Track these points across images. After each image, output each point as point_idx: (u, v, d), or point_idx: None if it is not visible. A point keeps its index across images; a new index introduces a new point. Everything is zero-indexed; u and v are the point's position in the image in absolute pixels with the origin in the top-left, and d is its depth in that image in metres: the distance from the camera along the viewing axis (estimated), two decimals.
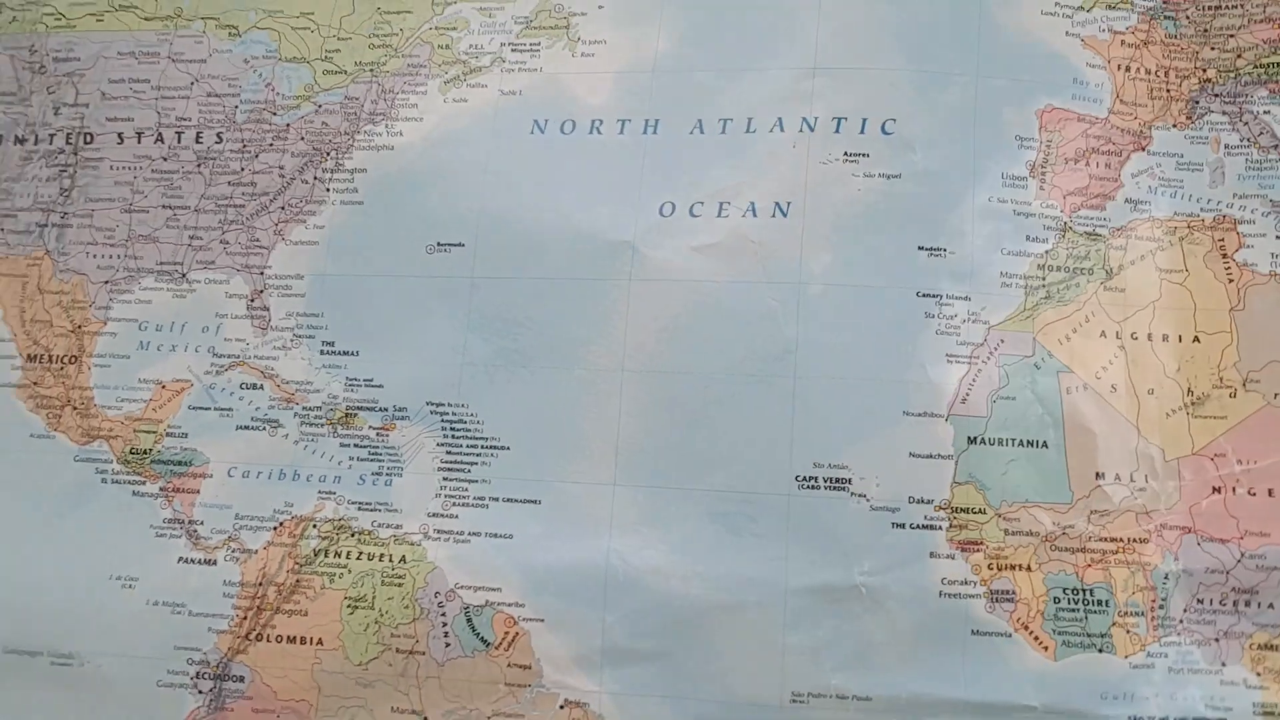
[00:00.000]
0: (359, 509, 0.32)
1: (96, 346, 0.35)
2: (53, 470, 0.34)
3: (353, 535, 0.32)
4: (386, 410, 0.33)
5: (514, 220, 0.33)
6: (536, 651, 0.30)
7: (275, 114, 0.36)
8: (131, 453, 0.34)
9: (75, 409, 0.35)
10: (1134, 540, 0.29)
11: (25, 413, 0.35)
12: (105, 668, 0.32)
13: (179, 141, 0.36)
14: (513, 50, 0.35)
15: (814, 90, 0.33)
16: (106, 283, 0.36)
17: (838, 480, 0.30)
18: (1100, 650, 0.29)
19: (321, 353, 0.34)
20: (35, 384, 0.35)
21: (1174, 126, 0.33)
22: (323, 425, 0.33)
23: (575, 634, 0.30)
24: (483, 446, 0.32)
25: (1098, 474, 0.30)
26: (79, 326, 0.36)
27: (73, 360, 0.35)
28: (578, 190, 0.33)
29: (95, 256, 0.36)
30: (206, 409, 0.34)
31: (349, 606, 0.31)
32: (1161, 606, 0.29)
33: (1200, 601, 0.29)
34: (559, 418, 0.32)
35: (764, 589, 0.30)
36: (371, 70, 0.36)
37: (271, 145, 0.35)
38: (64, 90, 0.38)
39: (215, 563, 0.32)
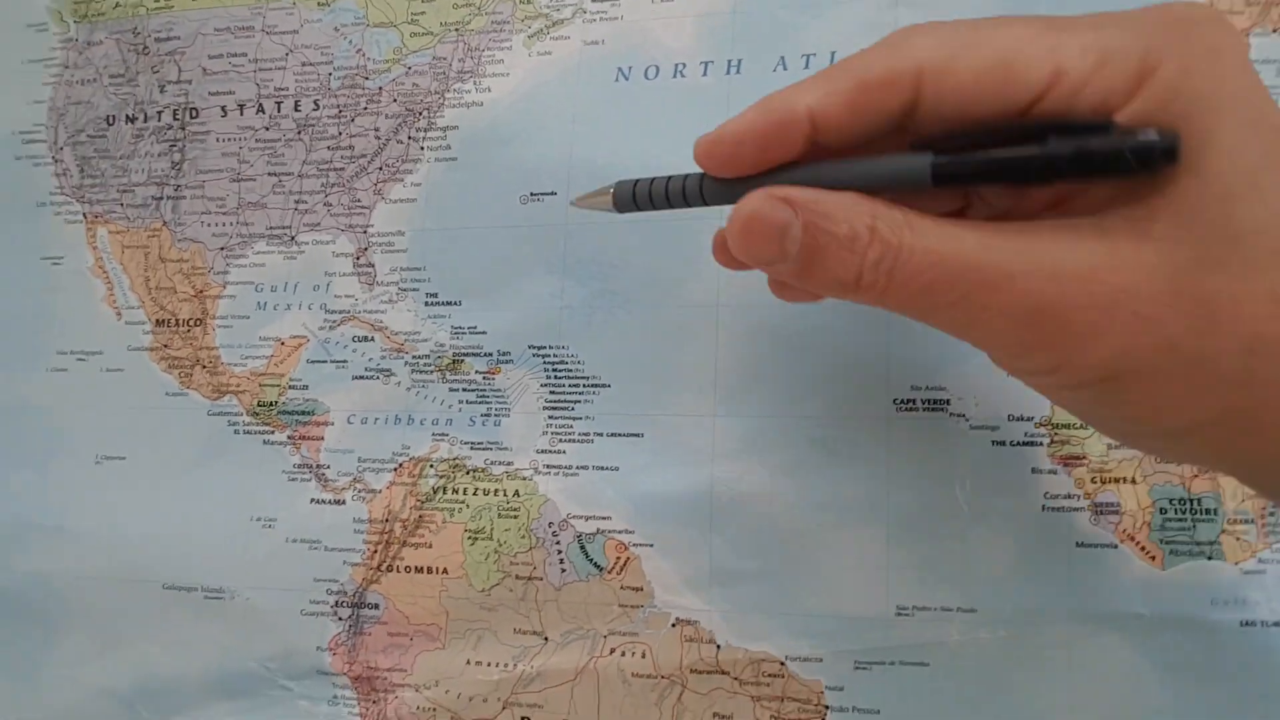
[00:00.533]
0: (471, 448, 0.34)
1: (218, 309, 0.38)
2: (190, 424, 0.37)
3: (468, 473, 0.34)
4: (491, 355, 0.35)
5: (603, 167, 0.34)
6: (647, 574, 0.32)
7: (367, 78, 0.37)
8: (259, 405, 0.37)
9: (204, 367, 0.38)
10: None
11: (159, 373, 0.38)
12: (253, 599, 0.35)
13: (279, 111, 0.38)
14: (593, 0, 0.36)
15: (897, 19, 0.33)
16: (222, 249, 0.38)
17: (936, 402, 0.30)
18: (1209, 558, 0.29)
19: (426, 304, 0.35)
20: (165, 346, 0.38)
21: (1274, 31, 0.31)
22: (432, 372, 0.35)
23: (684, 557, 0.32)
24: (585, 385, 0.34)
25: None
26: (200, 291, 0.38)
27: (198, 323, 0.38)
28: (664, 134, 0.34)
29: (209, 225, 0.39)
30: (323, 362, 0.36)
31: (469, 538, 0.33)
32: (1272, 513, 0.29)
33: None
34: (657, 354, 0.33)
35: (866, 509, 0.31)
36: (457, 30, 0.37)
37: (365, 109, 0.37)
38: (167, 69, 0.40)
39: (344, 502, 0.35)
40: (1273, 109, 0.18)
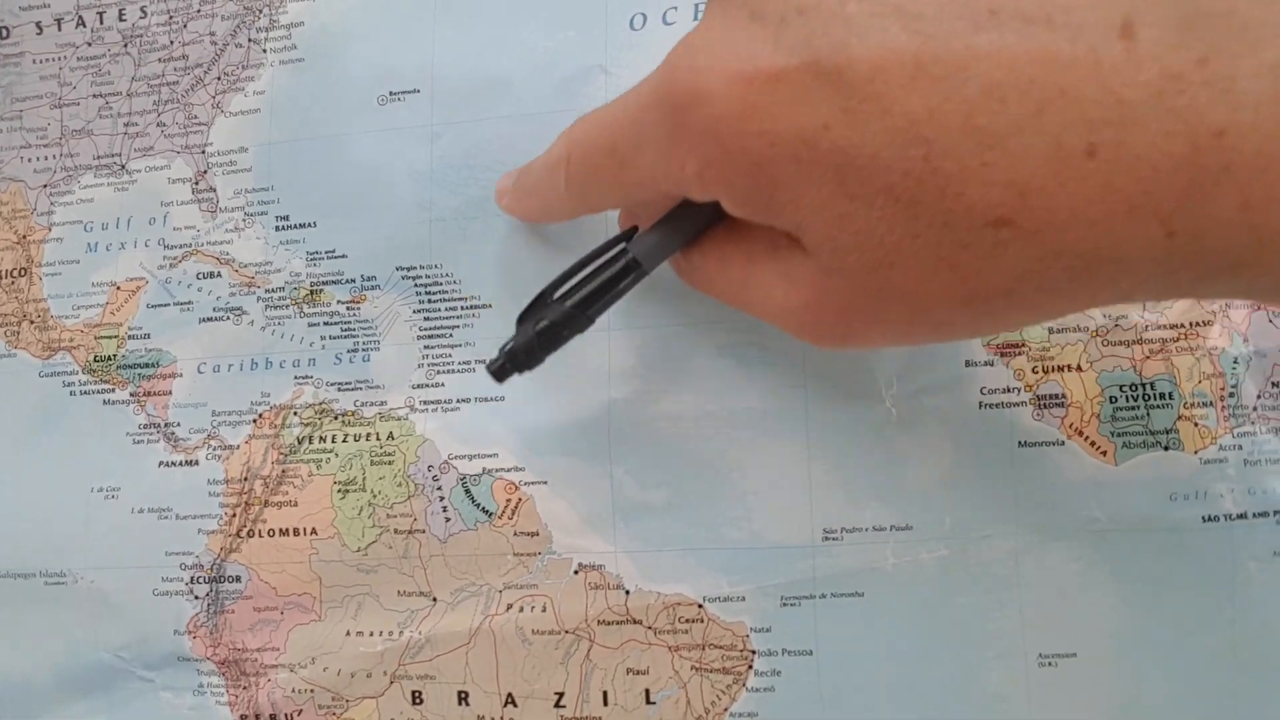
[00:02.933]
0: (339, 389, 0.30)
1: (44, 255, 0.33)
2: (19, 389, 0.32)
3: (336, 418, 0.30)
4: (354, 281, 0.30)
5: (472, 57, 0.29)
6: (543, 516, 0.28)
7: None
8: (96, 360, 0.32)
9: (32, 323, 0.33)
10: (1196, 324, 0.26)
11: None
12: (99, 582, 0.30)
13: (101, 22, 0.33)
14: None
15: None
16: (45, 186, 0.33)
17: None
18: (1166, 448, 0.26)
19: (277, 229, 0.31)
20: None
21: None
22: (288, 306, 0.31)
23: (582, 494, 0.28)
24: (462, 308, 0.29)
25: None
26: (24, 237, 0.33)
27: (22, 273, 0.33)
28: (539, 16, 0.29)
29: (30, 160, 0.33)
30: (165, 305, 0.31)
31: (339, 491, 0.29)
32: (1232, 394, 0.26)
33: (1276, 385, 0.26)
34: (541, 266, 0.29)
35: (782, 421, 0.27)
36: None
37: (199, 11, 0.32)
38: None
39: (197, 463, 0.30)
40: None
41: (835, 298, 0.19)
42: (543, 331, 0.23)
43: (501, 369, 0.24)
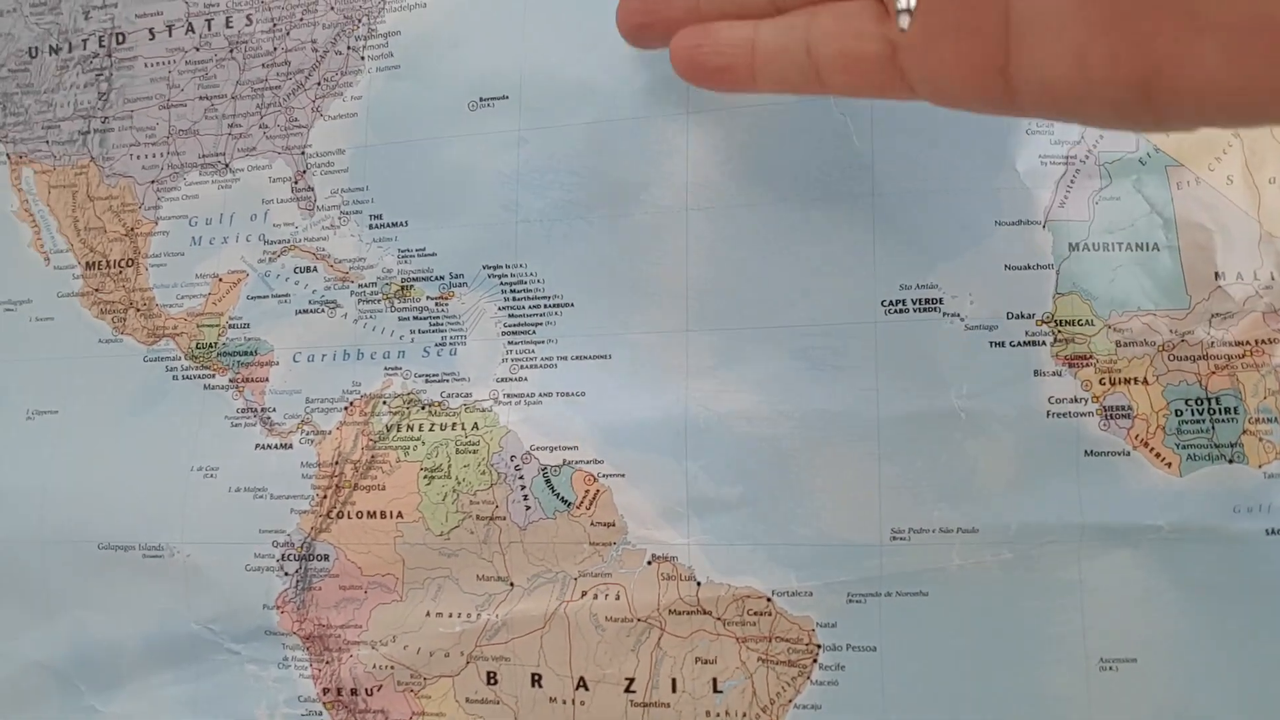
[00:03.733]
0: (426, 381, 0.31)
1: (151, 247, 0.35)
2: (125, 372, 0.34)
3: (423, 408, 0.31)
4: (443, 278, 0.32)
5: (558, 65, 0.31)
6: (619, 508, 0.29)
7: None
8: (198, 348, 0.34)
9: (138, 310, 0.35)
10: (1262, 341, 0.27)
11: (91, 319, 0.35)
12: (194, 556, 0.32)
13: (209, 29, 0.35)
14: None
15: None
16: (153, 182, 0.35)
17: (927, 301, 0.28)
18: (1230, 461, 0.26)
19: (371, 227, 0.33)
20: (97, 290, 0.35)
21: None
22: (379, 301, 0.32)
23: (658, 487, 0.29)
24: (546, 306, 0.31)
25: (1216, 274, 0.27)
26: (131, 229, 0.35)
27: (130, 263, 0.35)
28: None
29: (139, 158, 0.36)
30: (264, 297, 0.33)
31: (425, 477, 0.31)
32: None
33: None
34: (623, 268, 0.30)
35: (854, 423, 0.28)
36: None
37: (301, 20, 0.34)
38: None
39: (291, 446, 0.32)
40: None
41: None
42: None
43: None
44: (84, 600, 0.33)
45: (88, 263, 0.36)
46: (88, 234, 0.36)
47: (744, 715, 0.29)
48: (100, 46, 0.37)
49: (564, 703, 0.30)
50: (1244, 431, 0.26)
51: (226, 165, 0.34)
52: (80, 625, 0.33)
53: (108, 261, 0.35)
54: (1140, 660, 0.27)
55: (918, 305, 0.28)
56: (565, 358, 0.30)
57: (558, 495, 0.30)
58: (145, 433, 0.34)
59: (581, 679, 0.30)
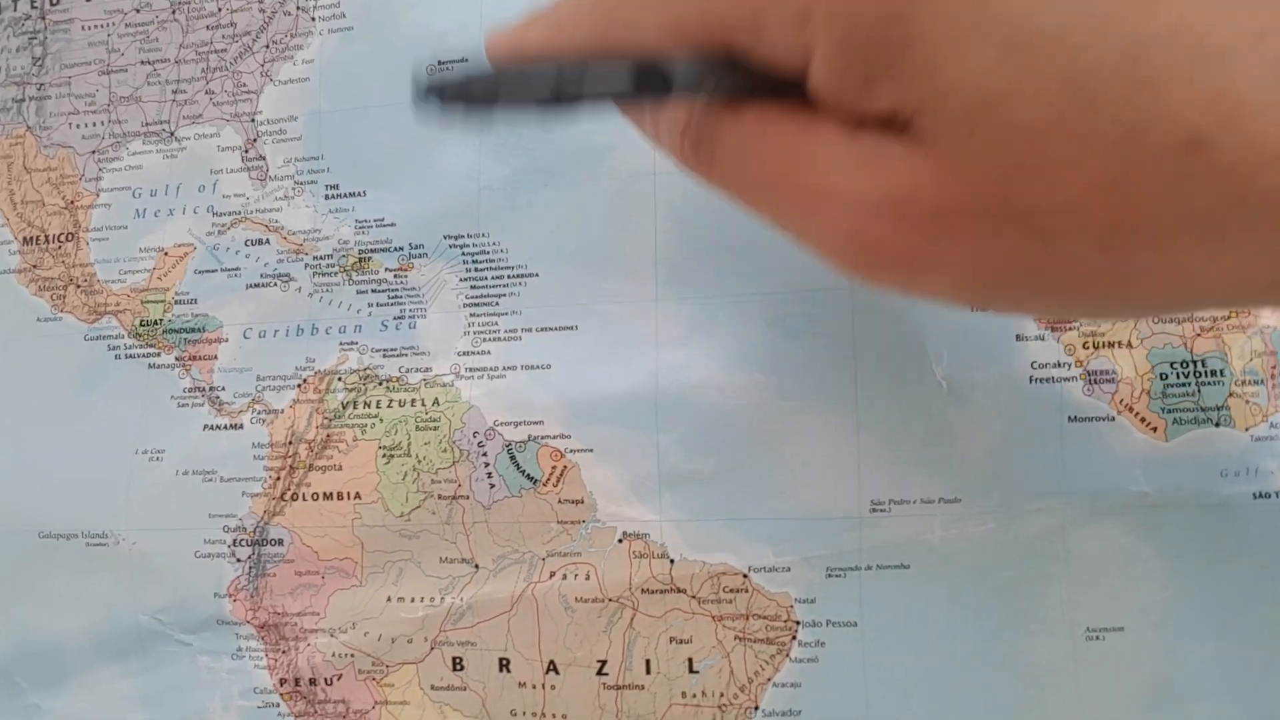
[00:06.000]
0: (384, 356, 0.30)
1: (92, 220, 0.33)
2: (64, 352, 0.33)
3: (380, 384, 0.30)
4: (402, 249, 0.30)
5: None
6: (588, 484, 0.28)
7: None
8: (142, 325, 0.32)
9: (79, 287, 0.33)
10: None
11: (29, 297, 0.33)
12: (141, 544, 0.31)
13: None
14: None
15: None
16: (94, 152, 0.33)
17: None
18: (1217, 425, 0.26)
19: (326, 197, 0.31)
20: (35, 267, 0.33)
21: None
22: (336, 274, 0.31)
23: (628, 461, 0.28)
24: (509, 276, 0.29)
25: None
26: (71, 202, 0.33)
27: (69, 238, 0.33)
28: None
29: (79, 126, 0.34)
30: (213, 271, 0.32)
31: (384, 456, 0.29)
32: None
33: None
34: (589, 235, 0.29)
35: (832, 393, 0.27)
36: None
37: None
38: None
39: (241, 426, 0.31)
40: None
41: (938, 196, 0.14)
42: (505, 78, 0.17)
43: (437, 90, 0.18)
44: (24, 592, 0.32)
45: (25, 238, 0.34)
46: (24, 207, 0.34)
47: (721, 695, 0.27)
48: (33, 8, 0.34)
49: (534, 687, 0.28)
50: (1230, 394, 0.26)
51: (172, 134, 0.33)
52: (20, 619, 0.32)
53: (46, 236, 0.33)
54: (1127, 629, 0.26)
55: None
56: (530, 329, 0.29)
57: (523, 472, 0.28)
58: (87, 415, 0.32)
59: (551, 662, 0.28)
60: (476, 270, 0.30)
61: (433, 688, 0.29)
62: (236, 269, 0.32)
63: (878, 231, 0.15)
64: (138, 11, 0.33)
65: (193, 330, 0.32)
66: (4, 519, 0.32)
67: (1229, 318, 0.26)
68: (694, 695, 0.27)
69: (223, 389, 0.31)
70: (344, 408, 0.30)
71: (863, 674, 0.27)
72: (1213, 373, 0.26)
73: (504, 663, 0.28)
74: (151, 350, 0.32)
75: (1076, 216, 0.14)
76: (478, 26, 0.30)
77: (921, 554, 0.27)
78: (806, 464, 0.27)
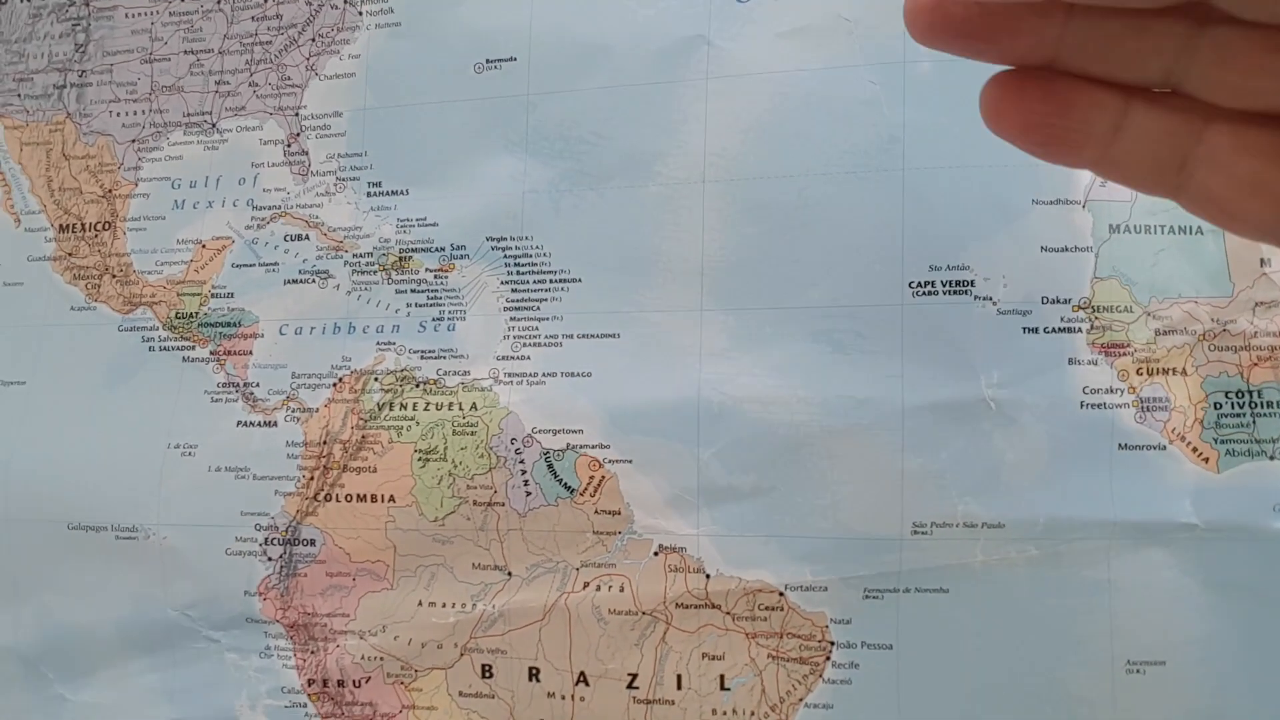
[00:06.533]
0: (421, 357, 0.30)
1: (129, 210, 0.33)
2: (98, 342, 0.32)
3: (417, 385, 0.30)
4: (444, 250, 0.30)
5: (570, 24, 0.29)
6: (626, 495, 0.28)
7: None
8: (177, 317, 0.32)
9: (114, 277, 0.33)
10: None
11: (63, 285, 0.33)
12: (171, 539, 0.30)
13: None
14: None
15: None
16: (134, 141, 0.33)
17: (958, 283, 0.26)
18: (1271, 458, 0.25)
19: (369, 194, 0.31)
20: (70, 255, 0.33)
21: None
22: (375, 272, 0.30)
23: (667, 474, 0.28)
24: (552, 281, 0.29)
25: (1262, 260, 0.26)
26: (109, 191, 0.33)
27: (106, 226, 0.33)
28: None
29: (119, 115, 0.33)
30: (251, 265, 0.31)
31: (420, 460, 0.29)
32: None
33: None
34: (635, 242, 0.28)
35: (877, 410, 0.26)
36: None
37: None
38: None
39: (275, 424, 0.30)
40: None
41: None
42: None
43: None
44: (52, 583, 0.32)
45: (61, 225, 0.34)
46: (62, 195, 0.34)
47: (752, 714, 0.27)
48: None
49: (563, 698, 0.28)
50: None
51: (213, 125, 0.32)
52: (48, 610, 0.31)
53: (83, 224, 0.33)
54: (1169, 663, 0.25)
55: (948, 287, 0.26)
56: (571, 336, 0.29)
57: (560, 481, 0.28)
58: (119, 407, 0.32)
59: (582, 674, 0.28)
60: (519, 274, 0.29)
61: (461, 694, 0.29)
62: (275, 264, 0.31)
63: None
64: (182, 0, 0.33)
65: (228, 324, 0.31)
66: (33, 509, 0.32)
67: None
68: (725, 713, 0.27)
69: (257, 385, 0.31)
70: (380, 409, 0.30)
71: (896, 698, 0.27)
72: (1269, 404, 0.25)
73: (534, 672, 0.28)
74: (186, 343, 0.32)
75: None
76: (525, 28, 0.30)
77: (961, 578, 0.26)
78: (848, 483, 0.27)
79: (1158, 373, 0.26)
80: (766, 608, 0.27)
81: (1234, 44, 0.14)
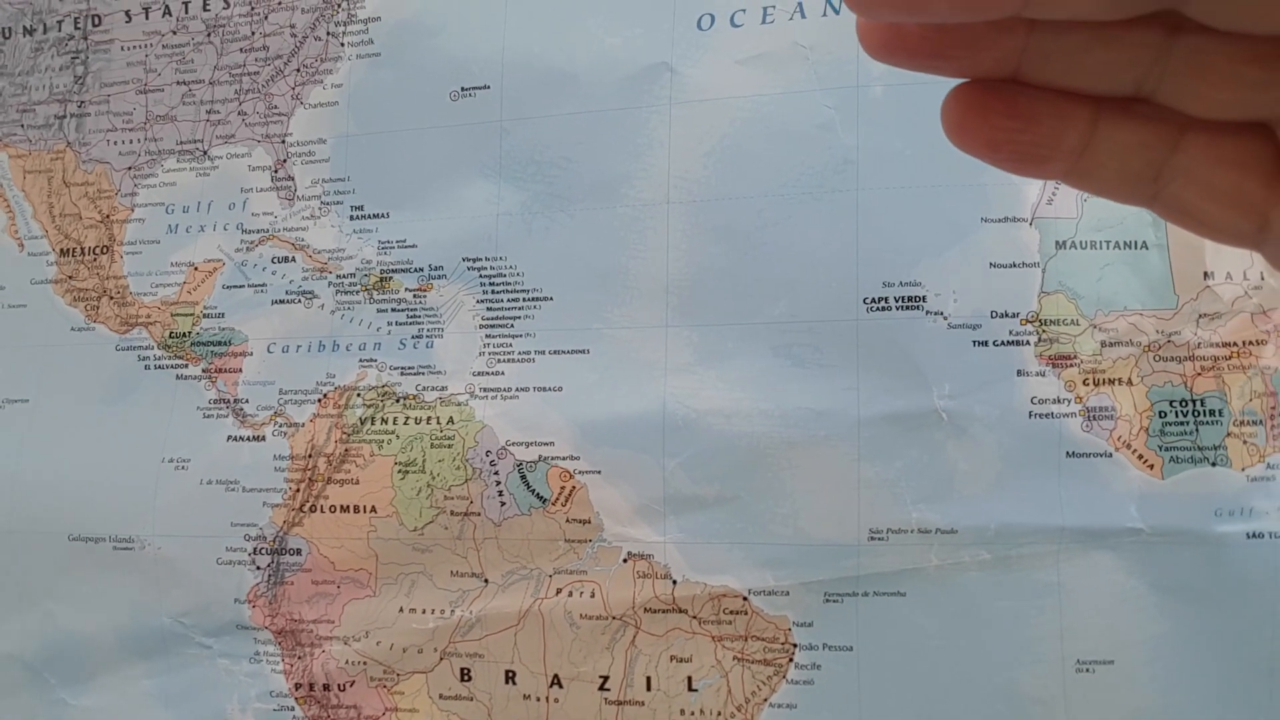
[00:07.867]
0: (401, 374, 0.31)
1: (126, 234, 0.34)
2: (96, 361, 0.34)
3: (397, 400, 0.31)
4: (422, 270, 0.31)
5: (540, 54, 0.31)
6: (595, 505, 0.29)
7: None
8: (171, 337, 0.33)
9: (112, 299, 0.34)
10: (1249, 343, 0.26)
11: (64, 307, 0.35)
12: (165, 549, 0.32)
13: (186, 12, 0.35)
14: None
15: None
16: (130, 169, 0.35)
17: (910, 299, 0.27)
18: (1213, 465, 0.26)
19: (351, 218, 0.32)
20: (70, 278, 0.35)
21: None
22: (358, 292, 0.32)
23: (635, 484, 0.29)
24: (525, 299, 0.30)
25: (1206, 273, 0.27)
26: (107, 216, 0.35)
27: (104, 250, 0.35)
28: (606, 12, 0.30)
29: (116, 143, 0.35)
30: (240, 286, 0.33)
31: (400, 471, 0.30)
32: None
33: None
34: (603, 261, 0.30)
35: (834, 421, 0.28)
36: None
37: (280, 4, 0.33)
38: None
39: (264, 438, 0.32)
40: None
41: None
42: None
43: None
44: (54, 592, 0.33)
45: (62, 249, 0.35)
46: (63, 220, 0.35)
47: (719, 714, 0.28)
48: (76, 28, 0.36)
49: (538, 700, 0.29)
50: (1228, 434, 0.26)
51: (205, 152, 0.34)
52: (50, 617, 0.33)
53: (82, 248, 0.35)
54: (1118, 662, 0.26)
55: (900, 303, 0.27)
56: (543, 352, 0.30)
57: (533, 491, 0.29)
58: (116, 422, 0.33)
59: (555, 676, 0.29)
60: (493, 292, 0.31)
61: (441, 696, 0.30)
62: (263, 285, 0.33)
63: None
64: (174, 34, 0.35)
65: (219, 343, 0.33)
66: (36, 520, 0.33)
67: (1230, 358, 0.27)
68: (693, 713, 0.28)
69: (246, 401, 0.32)
70: (362, 423, 0.31)
71: (857, 697, 0.28)
72: (1211, 412, 0.26)
73: (510, 675, 0.29)
74: (180, 362, 0.33)
75: None
76: (498, 58, 0.31)
77: (918, 582, 0.27)
78: (808, 492, 0.28)
79: (1104, 383, 0.27)
80: (731, 612, 0.28)
81: (1208, 54, 0.14)
